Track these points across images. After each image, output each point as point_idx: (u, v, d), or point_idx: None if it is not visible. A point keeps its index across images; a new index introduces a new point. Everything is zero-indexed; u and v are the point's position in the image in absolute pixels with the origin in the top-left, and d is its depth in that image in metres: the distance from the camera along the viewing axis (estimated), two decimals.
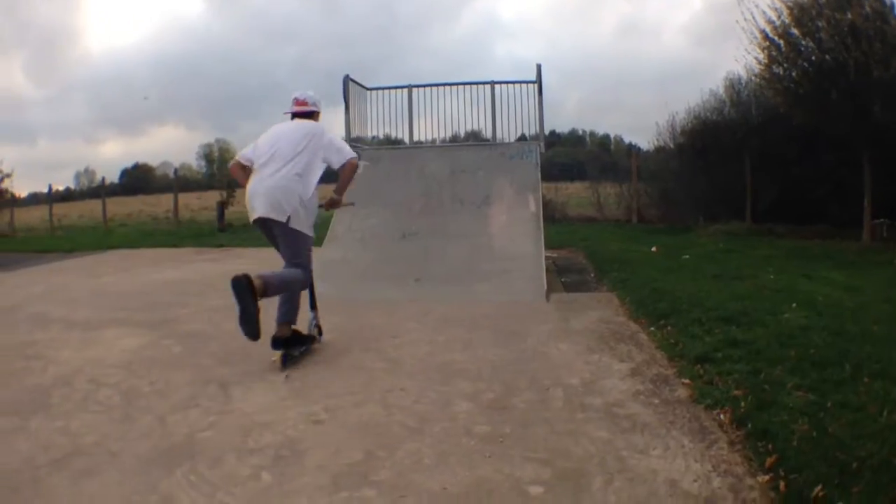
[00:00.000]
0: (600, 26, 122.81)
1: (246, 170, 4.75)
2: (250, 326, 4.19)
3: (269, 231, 4.66)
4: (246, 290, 4.15)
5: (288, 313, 4.65)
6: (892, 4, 10.11)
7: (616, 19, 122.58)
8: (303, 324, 4.81)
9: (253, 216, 4.60)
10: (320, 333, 4.98)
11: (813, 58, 10.44)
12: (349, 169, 4.69)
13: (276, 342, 4.49)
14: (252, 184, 4.59)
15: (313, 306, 4.94)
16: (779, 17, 10.72)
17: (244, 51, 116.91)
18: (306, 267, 4.69)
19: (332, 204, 4.90)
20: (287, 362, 4.45)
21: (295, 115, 4.91)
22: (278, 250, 4.75)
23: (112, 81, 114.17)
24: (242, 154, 4.84)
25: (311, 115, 4.95)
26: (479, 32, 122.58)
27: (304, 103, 4.94)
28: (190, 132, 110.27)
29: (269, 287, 4.34)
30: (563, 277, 7.93)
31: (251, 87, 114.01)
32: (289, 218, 4.47)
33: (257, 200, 4.52)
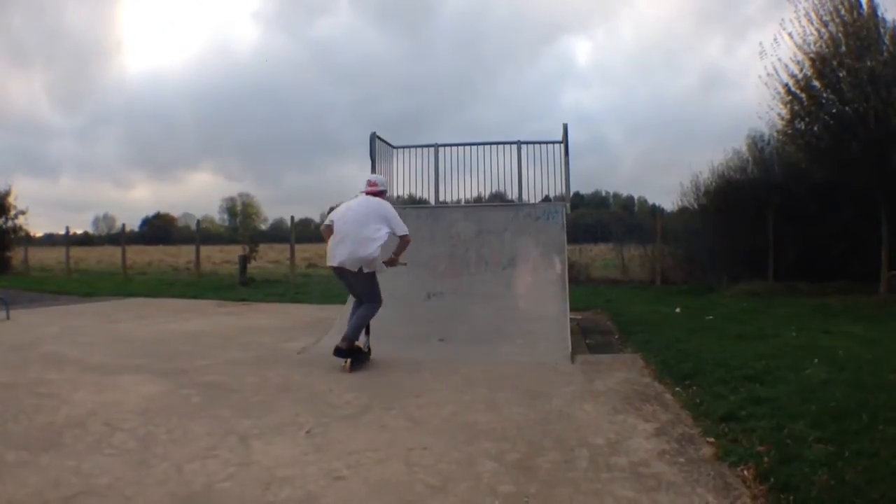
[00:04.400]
0: (684, 76, 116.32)
1: (331, 229, 6.31)
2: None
3: (345, 278, 6.31)
4: (346, 354, 6.06)
5: (354, 332, 6.22)
6: None
7: (701, 69, 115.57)
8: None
9: (332, 264, 6.23)
10: (369, 353, 6.45)
11: (834, 110, 10.65)
12: (406, 240, 6.43)
13: (339, 351, 6.09)
14: (334, 242, 6.22)
15: (367, 332, 6.46)
16: (801, 69, 10.97)
17: (297, 89, 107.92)
18: (378, 300, 6.40)
19: (390, 262, 6.41)
20: (354, 367, 6.03)
21: (368, 194, 6.52)
22: (352, 292, 6.62)
23: (147, 115, 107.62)
24: (329, 218, 6.44)
25: (380, 193, 6.58)
26: (551, 79, 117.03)
27: (374, 185, 6.63)
28: (229, 182, 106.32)
29: (354, 338, 6.19)
30: (587, 339, 7.93)
31: (299, 134, 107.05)
32: (360, 268, 6.14)
33: (340, 254, 6.15)
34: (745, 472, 3.25)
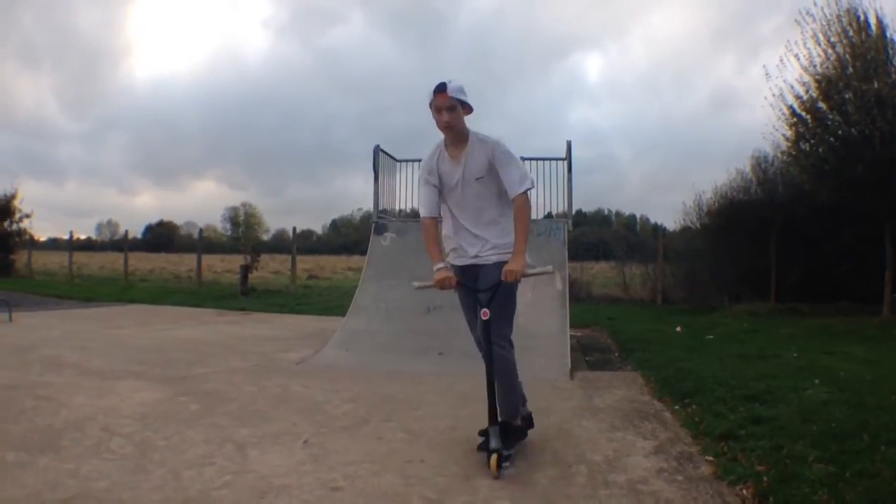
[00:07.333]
0: (694, 95, 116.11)
1: None
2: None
3: None
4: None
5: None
6: None
7: (712, 88, 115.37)
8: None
9: None
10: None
11: (839, 132, 10.64)
12: None
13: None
14: None
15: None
16: (806, 91, 11.01)
17: (306, 99, 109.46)
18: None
19: None
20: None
21: None
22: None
23: (154, 122, 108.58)
24: None
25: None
26: (560, 95, 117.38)
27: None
28: (233, 191, 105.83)
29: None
30: (587, 356, 7.92)
31: (305, 144, 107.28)
32: None
33: None
34: (745, 491, 3.22)
